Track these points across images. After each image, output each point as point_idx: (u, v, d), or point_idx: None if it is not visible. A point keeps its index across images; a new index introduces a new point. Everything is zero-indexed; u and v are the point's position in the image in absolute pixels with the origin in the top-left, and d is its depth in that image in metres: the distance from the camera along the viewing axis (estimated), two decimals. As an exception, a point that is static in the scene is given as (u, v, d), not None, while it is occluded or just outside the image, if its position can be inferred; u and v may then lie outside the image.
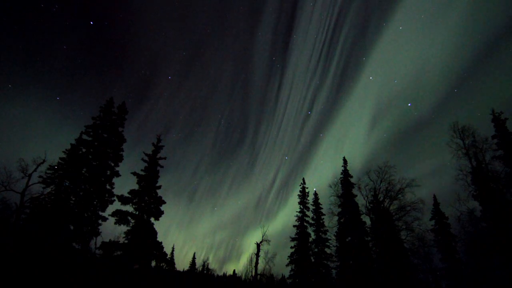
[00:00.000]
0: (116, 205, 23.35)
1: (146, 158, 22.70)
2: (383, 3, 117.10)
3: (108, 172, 21.76)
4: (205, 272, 52.46)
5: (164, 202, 22.15)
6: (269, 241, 29.19)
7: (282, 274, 40.98)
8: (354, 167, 63.60)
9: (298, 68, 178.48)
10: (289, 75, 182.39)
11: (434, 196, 34.18)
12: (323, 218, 30.72)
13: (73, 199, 19.82)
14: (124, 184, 32.21)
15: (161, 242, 20.70)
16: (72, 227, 19.10)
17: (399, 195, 27.89)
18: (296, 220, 30.79)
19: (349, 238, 27.74)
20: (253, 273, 28.12)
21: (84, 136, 21.69)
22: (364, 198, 29.57)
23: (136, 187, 21.52)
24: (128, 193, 21.11)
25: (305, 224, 30.43)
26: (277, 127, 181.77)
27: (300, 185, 32.52)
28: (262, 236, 28.91)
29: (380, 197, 28.73)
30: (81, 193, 20.13)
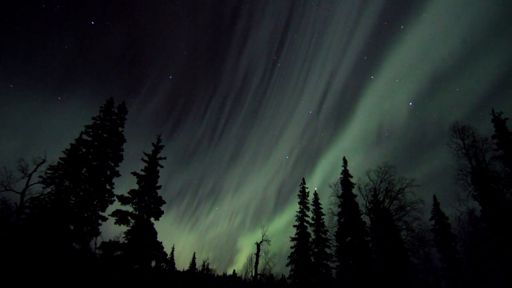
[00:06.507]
0: (116, 205, 23.37)
1: (146, 158, 22.71)
2: (382, 3, 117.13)
3: (108, 172, 21.74)
4: (205, 272, 52.48)
5: (164, 202, 22.16)
6: (269, 241, 29.24)
7: (282, 274, 40.99)
8: (354, 167, 63.63)
9: (294, 68, 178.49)
10: (287, 75, 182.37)
11: (434, 196, 34.20)
12: (323, 218, 30.72)
13: (73, 199, 19.79)
14: (124, 184, 32.28)
15: (161, 242, 20.72)
16: (72, 227, 19.09)
17: (399, 195, 27.91)
18: (296, 220, 30.81)
19: (349, 238, 27.73)
20: (253, 273, 28.14)
21: (84, 136, 21.66)
22: (364, 198, 29.58)
23: (136, 187, 21.53)
24: (128, 193, 21.11)
25: (305, 224, 30.42)
26: (280, 126, 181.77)
27: (300, 185, 32.54)
28: (262, 236, 28.96)
29: (380, 197, 28.72)
30: (81, 193, 20.12)
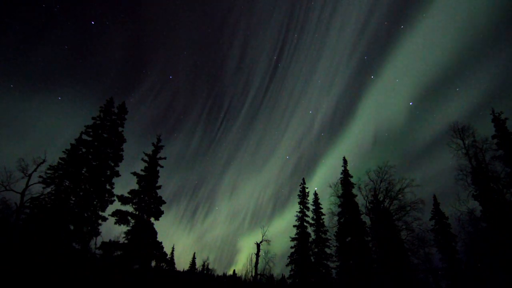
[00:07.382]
0: (116, 205, 23.33)
1: (146, 158, 22.71)
2: (383, 3, 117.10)
3: (108, 172, 21.75)
4: (205, 272, 52.50)
5: (164, 202, 22.16)
6: (269, 241, 29.24)
7: (282, 274, 41.00)
8: (354, 167, 63.50)
9: (295, 68, 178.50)
10: (287, 74, 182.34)
11: (434, 196, 34.22)
12: (323, 218, 30.73)
13: (73, 199, 19.80)
14: (124, 184, 32.23)
15: (161, 242, 20.72)
16: (72, 227, 19.10)
17: (399, 195, 27.92)
18: (296, 220, 30.81)
19: (349, 238, 27.73)
20: (253, 273, 28.14)
21: (84, 136, 21.67)
22: (364, 198, 29.60)
23: (136, 187, 21.53)
24: (128, 193, 21.10)
25: (305, 224, 30.43)
26: (280, 126, 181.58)
27: (300, 185, 32.54)
28: (262, 236, 28.96)
29: (380, 197, 28.74)
30: (81, 193, 20.13)
